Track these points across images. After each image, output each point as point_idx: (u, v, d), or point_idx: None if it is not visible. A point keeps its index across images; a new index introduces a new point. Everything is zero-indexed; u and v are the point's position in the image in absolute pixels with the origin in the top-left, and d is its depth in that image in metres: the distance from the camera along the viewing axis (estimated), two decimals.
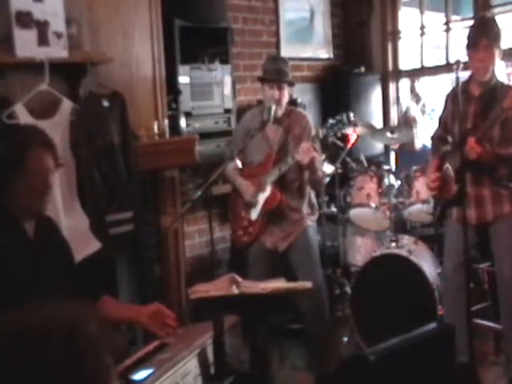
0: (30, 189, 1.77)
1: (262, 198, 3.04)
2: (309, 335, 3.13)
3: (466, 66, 2.72)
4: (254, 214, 3.07)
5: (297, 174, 3.05)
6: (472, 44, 2.76)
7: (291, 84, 3.10)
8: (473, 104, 2.84)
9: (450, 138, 3.07)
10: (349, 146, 3.94)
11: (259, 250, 3.09)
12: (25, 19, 2.67)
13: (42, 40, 2.72)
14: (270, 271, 2.92)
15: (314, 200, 3.22)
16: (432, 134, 3.28)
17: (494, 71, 2.82)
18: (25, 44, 2.66)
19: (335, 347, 3.39)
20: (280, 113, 3.04)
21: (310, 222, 3.14)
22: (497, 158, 2.74)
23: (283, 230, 3.07)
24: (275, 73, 3.03)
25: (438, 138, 3.15)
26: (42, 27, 2.72)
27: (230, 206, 3.26)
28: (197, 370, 1.71)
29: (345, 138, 3.99)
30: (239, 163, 2.97)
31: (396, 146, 4.35)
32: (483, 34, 2.72)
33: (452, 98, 2.98)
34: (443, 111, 3.10)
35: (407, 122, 4.28)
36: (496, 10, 4.30)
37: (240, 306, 1.85)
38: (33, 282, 1.73)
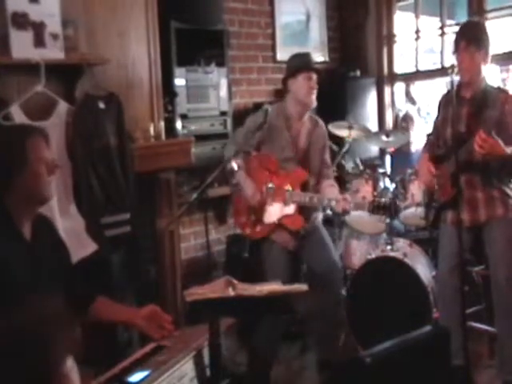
0: (36, 175, 1.77)
1: (283, 210, 2.97)
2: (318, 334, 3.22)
3: None
4: (268, 219, 3.01)
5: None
6: (454, 47, 2.86)
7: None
8: (465, 107, 2.85)
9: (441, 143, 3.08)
10: (344, 149, 3.95)
11: (277, 251, 3.02)
12: (21, 20, 2.67)
13: (38, 41, 2.72)
14: (288, 271, 2.97)
15: None
16: (425, 142, 3.29)
17: (482, 73, 2.83)
18: (21, 45, 2.66)
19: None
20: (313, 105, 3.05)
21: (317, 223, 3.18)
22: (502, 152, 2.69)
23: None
24: (311, 63, 3.06)
25: (432, 146, 3.14)
26: (38, 28, 2.71)
27: (233, 201, 3.22)
28: (193, 373, 1.71)
29: (340, 141, 4.00)
30: (236, 166, 2.96)
31: (391, 150, 4.37)
32: (462, 37, 2.82)
33: (444, 103, 3.00)
34: (437, 118, 3.11)
35: (406, 123, 4.30)
36: (490, 15, 4.32)
37: (236, 308, 1.85)
38: (30, 283, 1.72)
